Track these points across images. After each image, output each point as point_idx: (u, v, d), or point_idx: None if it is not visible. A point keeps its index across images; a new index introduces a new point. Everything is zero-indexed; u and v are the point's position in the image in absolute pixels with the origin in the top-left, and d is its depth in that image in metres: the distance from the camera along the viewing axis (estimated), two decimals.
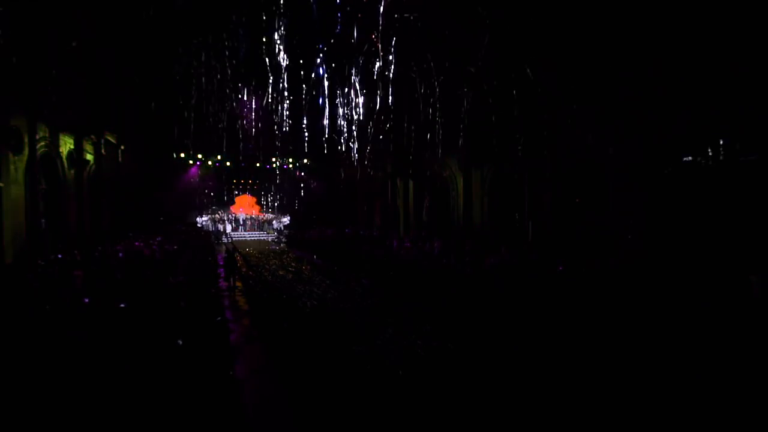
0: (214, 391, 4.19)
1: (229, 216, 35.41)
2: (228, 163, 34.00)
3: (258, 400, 4.97)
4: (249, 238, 33.76)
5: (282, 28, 18.21)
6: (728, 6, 9.04)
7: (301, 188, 34.19)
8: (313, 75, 21.30)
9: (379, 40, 18.03)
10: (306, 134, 26.71)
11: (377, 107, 22.10)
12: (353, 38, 17.70)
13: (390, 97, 21.45)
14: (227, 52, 20.60)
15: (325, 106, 22.63)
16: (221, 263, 17.40)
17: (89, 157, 19.50)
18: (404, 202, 24.55)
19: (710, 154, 9.68)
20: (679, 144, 10.31)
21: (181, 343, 4.86)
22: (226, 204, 36.23)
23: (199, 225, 32.50)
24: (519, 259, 10.34)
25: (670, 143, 10.40)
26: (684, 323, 6.08)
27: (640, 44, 10.76)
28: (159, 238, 18.82)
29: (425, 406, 4.78)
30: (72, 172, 18.03)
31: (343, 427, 4.43)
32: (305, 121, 24.76)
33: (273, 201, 36.55)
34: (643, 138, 10.88)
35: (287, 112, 23.99)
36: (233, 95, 25.39)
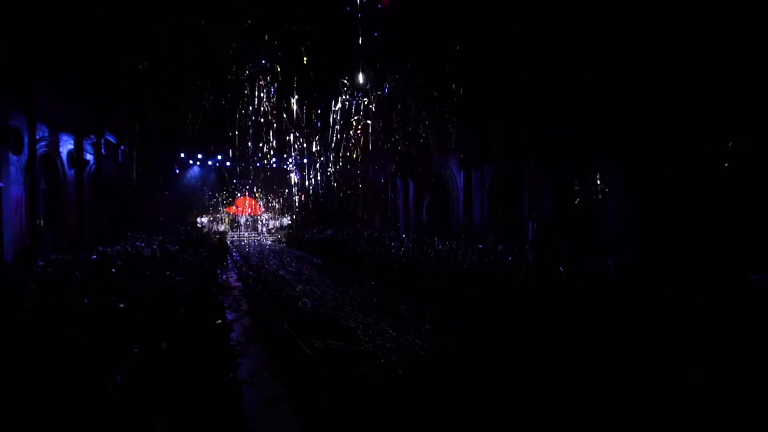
0: (215, 394, 4.19)
1: (229, 216, 35.44)
2: (228, 163, 34.04)
3: (258, 401, 4.97)
4: (249, 238, 33.77)
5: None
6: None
7: (301, 188, 34.19)
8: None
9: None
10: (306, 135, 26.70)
11: (378, 109, 22.09)
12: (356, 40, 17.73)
13: (391, 99, 21.45)
14: (230, 53, 20.62)
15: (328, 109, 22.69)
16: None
17: (89, 157, 19.49)
18: (404, 202, 24.56)
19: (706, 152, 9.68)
20: (677, 143, 10.30)
21: (177, 343, 4.86)
22: (227, 204, 36.23)
23: (199, 225, 32.53)
24: (518, 259, 10.34)
25: (668, 142, 10.38)
26: (684, 324, 6.08)
27: (632, 43, 10.76)
28: (159, 238, 18.82)
29: (425, 406, 4.78)
30: (72, 172, 18.03)
31: (343, 427, 4.43)
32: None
33: (273, 201, 36.55)
34: (642, 137, 10.87)
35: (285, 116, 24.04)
36: (234, 95, 25.39)
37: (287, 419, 4.59)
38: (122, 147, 23.40)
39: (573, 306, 7.23)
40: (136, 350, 4.45)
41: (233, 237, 33.01)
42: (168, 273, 9.02)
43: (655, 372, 5.32)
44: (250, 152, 31.70)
